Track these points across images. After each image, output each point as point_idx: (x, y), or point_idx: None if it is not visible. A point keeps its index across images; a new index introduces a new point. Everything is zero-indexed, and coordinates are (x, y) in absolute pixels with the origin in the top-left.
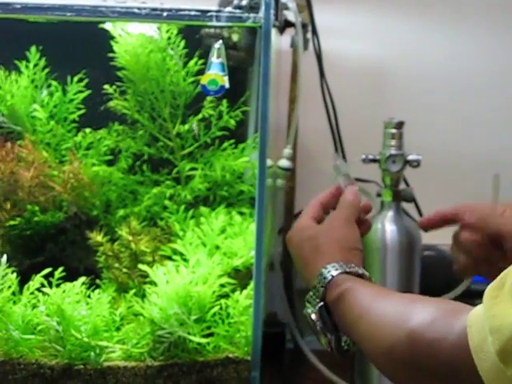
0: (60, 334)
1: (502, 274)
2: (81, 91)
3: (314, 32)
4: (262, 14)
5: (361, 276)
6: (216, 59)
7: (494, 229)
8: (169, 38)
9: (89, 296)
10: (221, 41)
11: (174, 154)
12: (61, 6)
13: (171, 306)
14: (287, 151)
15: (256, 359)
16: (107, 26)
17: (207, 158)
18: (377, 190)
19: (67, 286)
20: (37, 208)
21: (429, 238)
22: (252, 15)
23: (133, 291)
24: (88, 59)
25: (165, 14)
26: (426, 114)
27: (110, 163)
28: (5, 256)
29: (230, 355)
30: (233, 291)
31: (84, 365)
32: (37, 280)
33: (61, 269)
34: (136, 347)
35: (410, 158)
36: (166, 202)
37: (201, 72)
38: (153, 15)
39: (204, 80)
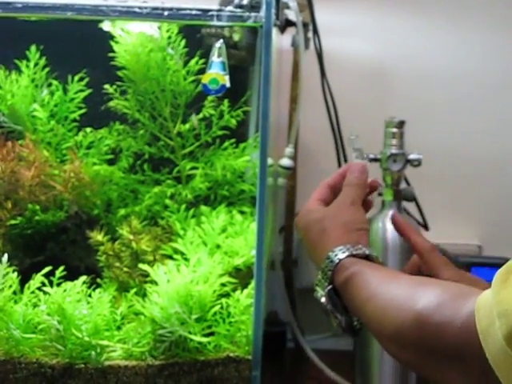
0: (61, 333)
1: (511, 260)
2: (81, 90)
3: (315, 31)
4: (262, 13)
5: (368, 256)
6: (217, 58)
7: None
8: (169, 38)
9: (89, 295)
10: (222, 40)
11: (174, 154)
12: (62, 5)
13: (172, 305)
14: (289, 150)
15: (257, 358)
16: (107, 25)
17: (208, 158)
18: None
19: (68, 285)
20: (38, 207)
21: (429, 238)
22: (253, 14)
23: (133, 290)
24: (89, 58)
25: (166, 13)
26: (427, 113)
27: (110, 162)
28: (6, 255)
29: (231, 354)
30: (234, 290)
31: (85, 364)
32: (37, 279)
33: (62, 268)
34: (137, 346)
35: (411, 157)
36: (167, 201)
37: (202, 71)
38: (154, 14)
39: (205, 79)
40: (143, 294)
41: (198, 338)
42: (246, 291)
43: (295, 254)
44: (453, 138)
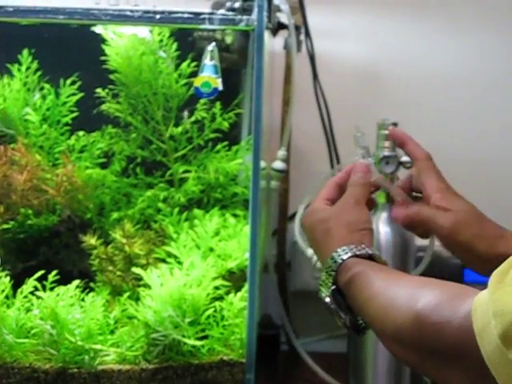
0: (54, 337)
1: (507, 260)
2: (73, 94)
3: (307, 34)
4: (254, 16)
5: (371, 256)
6: (209, 61)
7: (432, 231)
8: (161, 41)
9: (83, 299)
10: (214, 43)
11: (167, 157)
12: (53, 8)
13: (165, 308)
14: (281, 153)
15: (250, 361)
16: (99, 29)
17: (201, 161)
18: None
19: (61, 289)
20: (30, 211)
21: (423, 240)
22: (245, 17)
23: (127, 294)
24: (80, 62)
25: (158, 16)
26: (420, 115)
27: (103, 166)
28: None
29: (225, 358)
30: (227, 293)
31: (78, 368)
32: (30, 283)
33: (54, 272)
34: (130, 350)
35: (404, 159)
36: (160, 205)
37: (194, 74)
38: (145, 18)
39: (197, 82)
40: (136, 298)
41: (191, 342)
42: (239, 294)
43: (288, 256)
44: (445, 141)
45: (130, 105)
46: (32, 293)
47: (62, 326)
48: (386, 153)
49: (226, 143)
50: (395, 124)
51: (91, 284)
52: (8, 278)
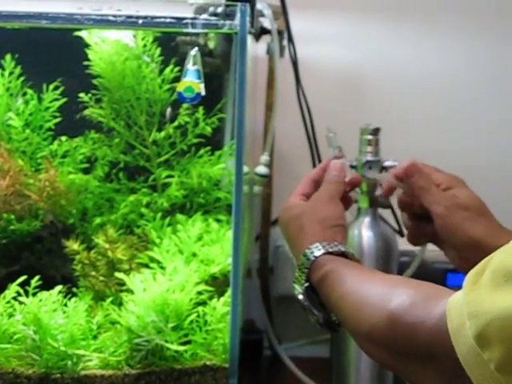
0: (37, 342)
1: (484, 259)
2: (56, 99)
3: (290, 39)
4: (237, 21)
5: (344, 253)
6: (192, 66)
7: (426, 205)
8: (144, 46)
9: (65, 304)
10: (197, 48)
11: (150, 162)
12: (36, 13)
13: (148, 313)
14: (264, 158)
15: (233, 366)
16: (82, 33)
17: (183, 166)
18: (353, 196)
19: (44, 294)
20: (12, 216)
21: (406, 244)
22: (228, 22)
23: (110, 299)
24: (64, 67)
25: (140, 21)
26: (403, 121)
27: (86, 171)
28: None
29: (208, 363)
30: (210, 298)
31: (61, 374)
32: (13, 289)
33: (37, 277)
34: (113, 355)
35: (387, 164)
36: (143, 210)
37: (177, 79)
38: (128, 22)
39: (180, 87)
40: (119, 303)
41: (174, 347)
42: (222, 299)
43: (271, 261)
44: (428, 145)
45: (113, 110)
46: (14, 298)
47: (45, 332)
48: (369, 158)
49: (208, 148)
50: (378, 129)
51: (74, 289)
52: None
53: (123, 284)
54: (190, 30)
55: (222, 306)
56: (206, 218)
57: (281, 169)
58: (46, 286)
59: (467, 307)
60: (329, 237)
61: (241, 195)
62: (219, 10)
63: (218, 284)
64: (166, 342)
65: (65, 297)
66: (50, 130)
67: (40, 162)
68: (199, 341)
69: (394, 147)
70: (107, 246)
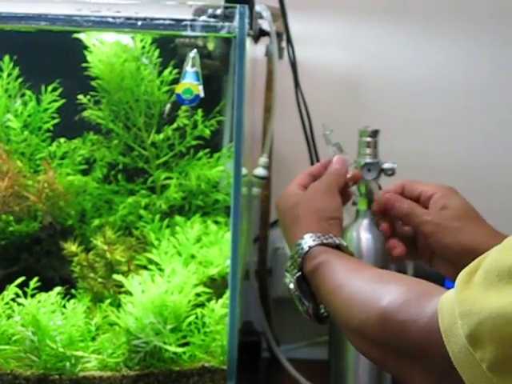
0: (35, 344)
1: (477, 259)
2: (55, 100)
3: (289, 41)
4: (236, 23)
5: (338, 246)
6: (191, 68)
7: (414, 227)
8: (143, 47)
9: (64, 306)
10: (195, 50)
11: (148, 164)
12: (35, 15)
13: (147, 315)
14: (263, 160)
15: (232, 368)
16: (81, 35)
17: (182, 167)
18: (352, 198)
19: (42, 296)
20: (11, 218)
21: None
22: (227, 24)
23: (108, 301)
24: (62, 69)
25: (139, 23)
26: (402, 123)
27: (84, 173)
28: None
29: (206, 364)
30: (208, 300)
31: (59, 375)
32: (11, 290)
33: (36, 279)
34: (111, 357)
35: (385, 166)
36: (142, 212)
37: (176, 81)
38: (127, 24)
39: (179, 89)
40: (118, 305)
41: (172, 349)
42: (220, 301)
43: (270, 263)
44: (427, 147)
45: (112, 111)
46: (13, 299)
47: (44, 333)
48: (368, 160)
49: (207, 150)
50: (376, 131)
51: (72, 291)
52: None
53: (122, 286)
54: (188, 32)
55: (220, 307)
56: (205, 220)
57: (279, 171)
58: (45, 287)
59: (459, 306)
60: (324, 228)
61: (239, 197)
62: (218, 11)
63: (216, 286)
64: (165, 343)
65: (63, 298)
66: (48, 131)
67: (39, 163)
68: (197, 342)
69: (393, 149)
70: (106, 247)
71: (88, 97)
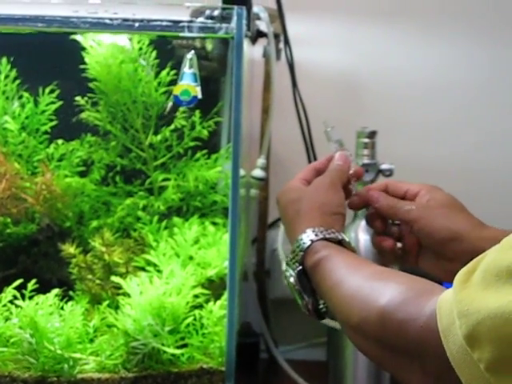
0: (33, 346)
1: (474, 259)
2: (52, 102)
3: (287, 42)
4: (234, 24)
5: (340, 242)
6: (188, 69)
7: (400, 218)
8: (140, 49)
9: (62, 308)
10: (193, 51)
11: (146, 165)
12: (32, 16)
13: (145, 317)
14: (261, 161)
15: (230, 370)
16: (78, 37)
17: (180, 169)
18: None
19: (40, 298)
20: (9, 220)
21: None
22: (224, 25)
23: (106, 303)
24: (60, 70)
25: (137, 24)
26: (400, 125)
27: (82, 174)
28: None
29: (204, 366)
30: (207, 302)
31: (57, 377)
32: (9, 292)
33: (33, 281)
34: (110, 359)
35: (383, 167)
36: (139, 213)
37: (173, 82)
38: (125, 26)
39: (176, 90)
40: (116, 307)
41: (171, 350)
42: (219, 302)
43: (268, 264)
44: (425, 150)
45: (110, 113)
46: (11, 301)
47: (41, 335)
48: (366, 161)
49: (205, 151)
50: (374, 132)
51: (70, 292)
52: None
53: (120, 287)
54: (186, 33)
55: (218, 309)
56: (203, 221)
57: (277, 172)
58: (43, 289)
59: (457, 306)
60: (327, 223)
61: (237, 198)
62: (216, 13)
63: (214, 287)
64: (163, 345)
65: (61, 300)
66: (46, 133)
67: (36, 165)
68: (196, 344)
69: (391, 150)
70: (104, 249)
71: (85, 98)
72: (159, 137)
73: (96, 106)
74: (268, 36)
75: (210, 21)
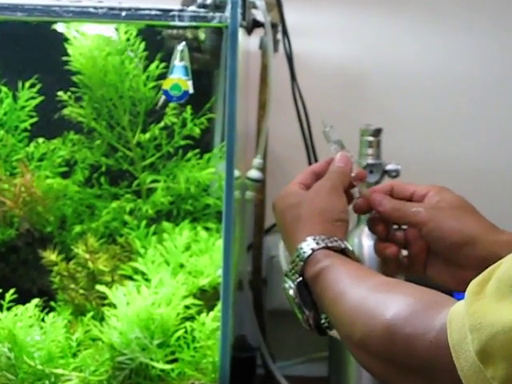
0: (12, 361)
1: (488, 269)
2: (33, 98)
3: (285, 32)
4: (228, 13)
5: (343, 251)
6: (179, 62)
7: (406, 221)
8: (127, 40)
9: (43, 319)
10: (184, 42)
11: (134, 165)
12: (11, 5)
13: (132, 329)
14: (257, 161)
15: None
16: (61, 26)
17: (170, 170)
18: (355, 193)
19: (19, 309)
20: None
21: None
22: (217, 14)
23: (90, 314)
24: (41, 63)
25: (123, 13)
26: (406, 121)
27: (64, 175)
28: None
29: (196, 382)
30: (199, 313)
31: None
32: None
33: (12, 290)
34: (94, 375)
35: (389, 167)
36: (126, 217)
37: (163, 76)
38: (110, 15)
39: (166, 85)
40: (101, 318)
41: (160, 365)
42: (211, 314)
43: (265, 273)
44: (435, 148)
45: (94, 109)
46: None
47: (21, 349)
48: (370, 161)
49: (197, 151)
50: (379, 130)
51: (52, 303)
52: None
53: (105, 297)
54: (176, 23)
55: (211, 321)
56: (195, 226)
57: (275, 173)
58: (22, 299)
59: (469, 319)
60: (329, 231)
61: (232, 201)
62: (208, 1)
63: (207, 297)
64: (152, 360)
65: (42, 311)
66: (25, 130)
67: (15, 165)
68: (187, 359)
69: (397, 149)
70: (87, 256)
71: (68, 93)
72: (147, 135)
73: (80, 101)
74: (265, 26)
75: (202, 9)
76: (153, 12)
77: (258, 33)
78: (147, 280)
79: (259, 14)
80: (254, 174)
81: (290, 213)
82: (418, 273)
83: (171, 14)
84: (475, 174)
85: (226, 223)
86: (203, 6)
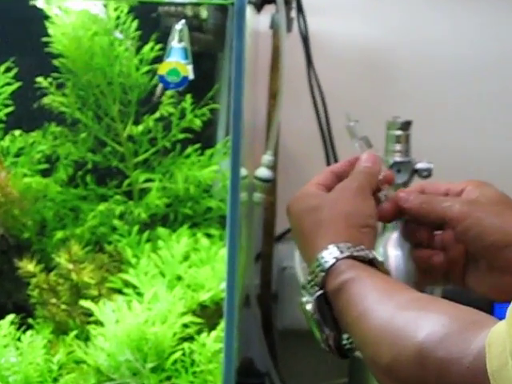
0: None
1: None
2: (9, 84)
3: (300, 9)
4: None
5: (371, 261)
6: (177, 44)
7: (437, 218)
8: (117, 18)
9: (19, 339)
10: (183, 21)
11: (124, 162)
12: None
13: (121, 351)
14: (267, 158)
15: None
16: (40, 2)
17: (166, 167)
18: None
19: None
20: None
21: None
22: None
23: (74, 333)
24: (18, 45)
25: None
26: (439, 111)
27: (45, 173)
28: None
29: None
30: (198, 333)
31: None
32: None
33: None
34: None
35: (419, 166)
36: (116, 222)
37: (158, 60)
38: None
39: (162, 70)
40: (86, 338)
41: None
42: (213, 334)
43: (275, 287)
44: (472, 144)
45: (79, 97)
46: None
47: None
48: (398, 158)
49: (197, 146)
50: (408, 123)
51: (29, 320)
52: None
53: (90, 314)
54: None
55: (213, 342)
56: (194, 233)
57: (287, 171)
58: None
59: (511, 342)
60: (354, 238)
61: (237, 204)
62: None
63: (208, 315)
64: None
65: (18, 329)
66: (0, 121)
67: None
68: None
69: (429, 145)
70: (71, 266)
71: (49, 79)
72: (140, 127)
73: (62, 88)
74: (277, 2)
75: None
76: None
77: (269, 10)
78: (139, 294)
79: None
80: (263, 172)
81: (309, 217)
82: (457, 283)
83: None
84: None
85: (230, 229)
86: None
